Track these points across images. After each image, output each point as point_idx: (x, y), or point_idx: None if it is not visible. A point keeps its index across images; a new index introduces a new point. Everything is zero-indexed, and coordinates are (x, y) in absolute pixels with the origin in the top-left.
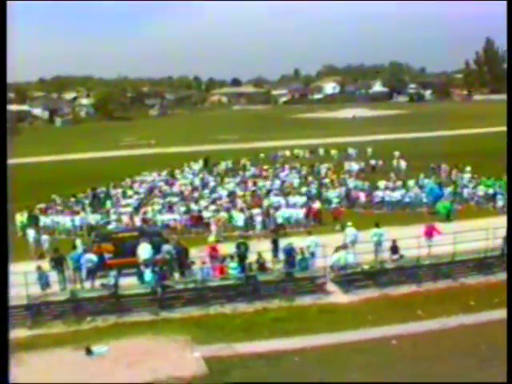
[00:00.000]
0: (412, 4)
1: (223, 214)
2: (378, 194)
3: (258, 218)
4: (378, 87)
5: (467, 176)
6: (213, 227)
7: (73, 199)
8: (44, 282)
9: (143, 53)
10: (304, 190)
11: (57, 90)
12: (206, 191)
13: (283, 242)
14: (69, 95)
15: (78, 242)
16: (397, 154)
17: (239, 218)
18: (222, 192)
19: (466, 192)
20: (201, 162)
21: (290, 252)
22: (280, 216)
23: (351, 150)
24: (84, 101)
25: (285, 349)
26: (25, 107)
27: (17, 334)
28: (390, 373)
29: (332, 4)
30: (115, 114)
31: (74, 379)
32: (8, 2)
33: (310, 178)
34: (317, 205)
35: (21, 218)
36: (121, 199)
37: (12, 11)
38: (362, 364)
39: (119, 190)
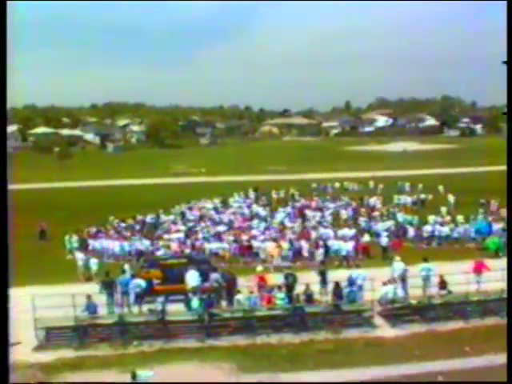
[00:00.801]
0: (463, 38)
1: (272, 245)
2: (427, 228)
3: (307, 250)
4: (428, 121)
5: None
6: (265, 256)
7: (122, 224)
8: (92, 311)
9: (195, 82)
10: (353, 222)
11: (109, 116)
12: (255, 221)
13: (331, 275)
14: (121, 121)
15: (127, 266)
16: (441, 188)
17: (287, 249)
18: (271, 222)
19: None
20: (250, 192)
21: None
22: (337, 248)
23: (401, 184)
24: (136, 127)
25: (330, 381)
26: (77, 132)
27: (63, 354)
28: None
29: (384, 37)
30: (166, 142)
31: None
32: (8, 3)
33: (359, 211)
34: (366, 238)
35: (70, 240)
36: (170, 226)
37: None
38: None
39: (169, 217)
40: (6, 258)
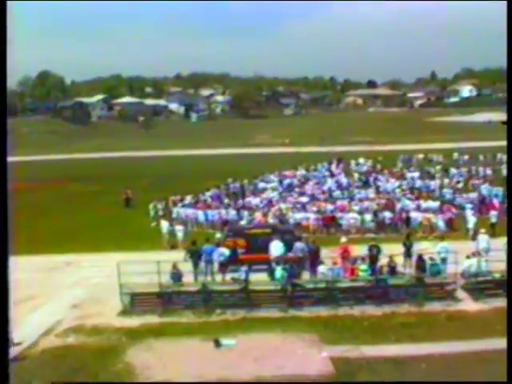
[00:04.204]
0: None
1: (355, 216)
2: None
3: (390, 221)
4: None
5: None
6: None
7: (207, 193)
8: (177, 279)
9: (280, 53)
10: (437, 194)
11: (193, 87)
12: (339, 192)
13: (415, 247)
14: (205, 92)
15: (218, 235)
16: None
17: (371, 221)
18: (355, 193)
19: None
20: (335, 163)
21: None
22: (421, 220)
23: (485, 156)
24: (220, 98)
25: (412, 354)
26: (161, 102)
27: (147, 320)
28: None
29: (471, 5)
30: (250, 112)
31: (202, 369)
32: (8, 2)
33: (444, 183)
34: (451, 210)
35: (154, 208)
36: (254, 196)
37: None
38: (488, 375)
39: (254, 186)
40: (6, 254)
